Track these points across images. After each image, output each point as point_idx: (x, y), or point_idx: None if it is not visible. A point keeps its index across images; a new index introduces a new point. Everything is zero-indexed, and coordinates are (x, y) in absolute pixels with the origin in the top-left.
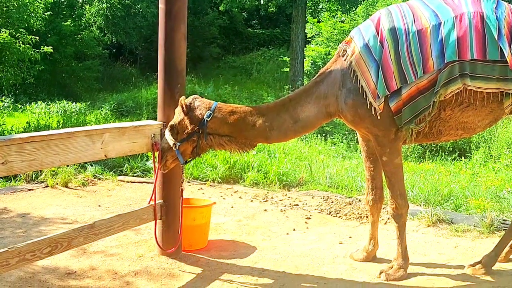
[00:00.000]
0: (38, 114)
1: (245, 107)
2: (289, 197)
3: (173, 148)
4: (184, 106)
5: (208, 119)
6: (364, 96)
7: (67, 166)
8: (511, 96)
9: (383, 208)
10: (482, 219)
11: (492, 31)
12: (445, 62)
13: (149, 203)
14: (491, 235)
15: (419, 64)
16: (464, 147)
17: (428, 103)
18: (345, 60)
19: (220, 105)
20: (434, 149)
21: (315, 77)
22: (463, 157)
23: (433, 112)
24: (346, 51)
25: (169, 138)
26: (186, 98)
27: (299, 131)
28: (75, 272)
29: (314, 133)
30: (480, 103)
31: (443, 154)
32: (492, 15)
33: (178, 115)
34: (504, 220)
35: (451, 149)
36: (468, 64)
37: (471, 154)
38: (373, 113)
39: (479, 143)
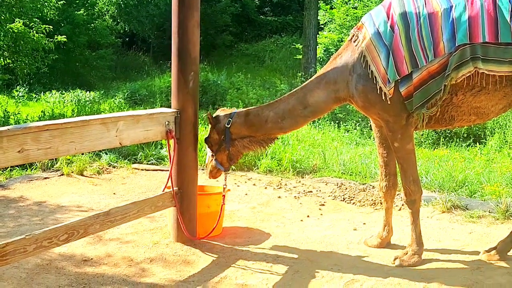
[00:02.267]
0: (53, 103)
1: (257, 106)
2: (303, 184)
3: (213, 159)
4: (211, 120)
5: (229, 126)
6: (374, 81)
7: (82, 154)
8: None
9: (397, 195)
10: (497, 205)
11: (504, 14)
12: (456, 45)
13: (163, 191)
14: (506, 221)
15: (430, 48)
16: (479, 133)
17: (439, 87)
18: (356, 45)
19: (238, 111)
20: (449, 135)
21: (328, 62)
22: (477, 143)
23: (444, 97)
24: (357, 37)
25: (208, 151)
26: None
27: (309, 116)
28: (92, 259)
29: (327, 120)
30: (493, 87)
31: (457, 140)
32: None
33: (210, 128)
34: None
35: (465, 135)
36: (479, 47)
37: (486, 140)
38: (383, 98)
39: (494, 129)
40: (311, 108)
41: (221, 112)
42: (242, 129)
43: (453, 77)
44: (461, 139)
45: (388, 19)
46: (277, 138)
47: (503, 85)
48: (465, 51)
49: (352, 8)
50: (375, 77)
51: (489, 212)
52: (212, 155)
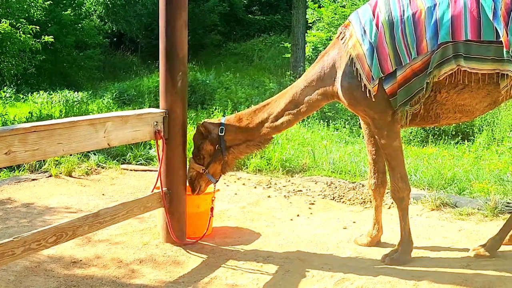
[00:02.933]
0: (40, 104)
1: (248, 110)
2: (293, 183)
3: (203, 173)
4: (203, 131)
5: (222, 134)
6: (359, 79)
7: (70, 155)
8: (506, 77)
9: (387, 193)
10: (486, 202)
11: (487, 12)
12: (438, 43)
13: (152, 191)
14: (495, 218)
15: (413, 46)
16: (467, 130)
17: (422, 85)
18: (343, 43)
19: (227, 118)
20: (437, 133)
21: (316, 60)
22: (466, 141)
23: (427, 94)
24: (344, 34)
25: (196, 166)
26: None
27: (301, 114)
28: (81, 260)
29: (316, 119)
30: (476, 85)
31: (446, 138)
32: None
33: (199, 140)
34: (508, 202)
35: (454, 132)
36: (462, 45)
37: (474, 137)
38: (368, 95)
39: (482, 126)
40: (301, 106)
41: (207, 123)
42: (238, 135)
43: (435, 75)
44: (449, 137)
45: (374, 18)
46: (273, 138)
47: (486, 83)
48: (447, 49)
49: (340, 6)
50: (360, 74)
51: (478, 210)
52: (203, 169)
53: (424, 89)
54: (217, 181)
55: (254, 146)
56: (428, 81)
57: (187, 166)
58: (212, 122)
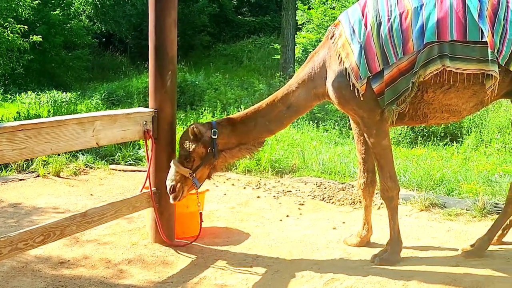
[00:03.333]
0: (28, 104)
1: (241, 114)
2: (282, 183)
3: (189, 177)
4: (197, 132)
5: (215, 137)
6: (348, 78)
7: (59, 155)
8: (491, 77)
9: (376, 193)
10: (475, 203)
11: (472, 12)
12: (424, 43)
13: (141, 191)
14: (484, 219)
15: (399, 46)
16: (456, 132)
17: (408, 84)
18: (332, 42)
19: (219, 121)
20: (426, 134)
21: (306, 60)
22: (454, 142)
23: (412, 93)
24: (334, 34)
25: (183, 170)
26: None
27: (293, 115)
28: (68, 261)
29: (306, 120)
30: (462, 85)
31: (435, 139)
32: None
33: (190, 143)
34: (496, 203)
35: (442, 134)
36: (448, 45)
37: (462, 139)
38: (356, 94)
39: (470, 128)
40: (293, 107)
41: (199, 126)
42: (231, 138)
43: (421, 74)
44: (438, 138)
45: (363, 17)
46: (265, 141)
47: (471, 83)
48: (433, 48)
49: (330, 8)
50: (349, 73)
51: (467, 210)
52: (190, 173)
53: (410, 89)
54: (200, 186)
55: (247, 150)
56: (414, 80)
57: (172, 171)
58: (202, 124)
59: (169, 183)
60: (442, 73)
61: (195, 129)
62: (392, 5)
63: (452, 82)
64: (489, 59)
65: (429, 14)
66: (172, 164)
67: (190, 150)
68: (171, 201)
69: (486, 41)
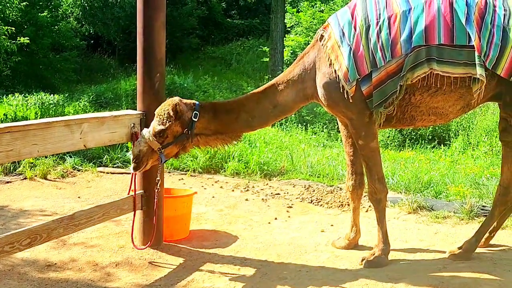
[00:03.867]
0: (16, 106)
1: (226, 102)
2: (270, 186)
3: (157, 151)
4: (178, 110)
5: (195, 120)
6: (337, 80)
7: (46, 157)
8: (478, 81)
9: (364, 196)
10: (462, 206)
11: (460, 17)
12: (412, 46)
13: (128, 194)
14: (471, 221)
15: (388, 49)
16: (443, 135)
17: (395, 87)
18: (322, 44)
19: (203, 104)
20: (414, 137)
21: (295, 61)
22: (442, 145)
23: (400, 96)
24: (323, 36)
25: (154, 143)
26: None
27: (279, 115)
28: (55, 264)
29: (294, 122)
30: (448, 88)
31: (422, 142)
32: (461, 0)
33: (168, 119)
34: (484, 206)
35: (430, 137)
36: (435, 48)
37: (450, 141)
38: (345, 97)
39: (458, 131)
40: (280, 107)
41: (181, 103)
42: (211, 124)
43: (409, 78)
44: (426, 141)
45: (352, 20)
46: (242, 136)
47: (458, 86)
48: (421, 52)
49: (319, 11)
50: (338, 75)
51: (454, 213)
52: (159, 148)
53: (398, 92)
54: (164, 162)
55: (222, 141)
56: (402, 83)
57: (140, 141)
58: (186, 102)
59: (135, 151)
60: (429, 77)
61: (177, 106)
62: (380, 8)
63: (439, 85)
64: (476, 62)
65: (417, 18)
66: (144, 133)
67: (166, 126)
68: (131, 170)
69: (473, 45)
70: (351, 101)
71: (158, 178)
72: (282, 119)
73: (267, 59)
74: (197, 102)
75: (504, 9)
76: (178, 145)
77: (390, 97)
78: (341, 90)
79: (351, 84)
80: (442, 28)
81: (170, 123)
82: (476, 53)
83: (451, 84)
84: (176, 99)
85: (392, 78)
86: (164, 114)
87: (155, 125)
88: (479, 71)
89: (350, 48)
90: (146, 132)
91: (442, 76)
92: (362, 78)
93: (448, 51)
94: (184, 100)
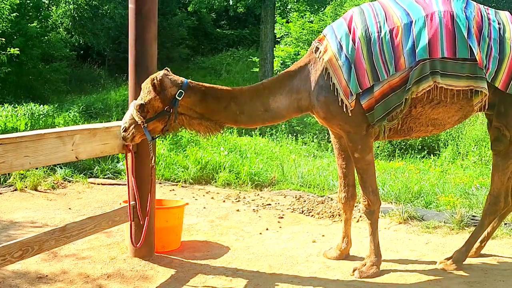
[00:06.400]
0: (5, 117)
1: (218, 88)
2: (261, 197)
3: (141, 126)
4: (157, 85)
5: (179, 99)
6: (336, 93)
7: (36, 169)
8: (480, 93)
9: (355, 206)
10: (452, 216)
11: (462, 30)
12: (417, 60)
13: (120, 205)
14: (461, 231)
15: (391, 62)
16: (433, 145)
17: (400, 101)
18: (318, 57)
19: (192, 84)
20: (404, 147)
21: (289, 68)
22: (432, 155)
23: (405, 109)
24: (319, 49)
25: (136, 116)
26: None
27: (268, 120)
28: (46, 276)
29: (285, 133)
30: (450, 100)
31: (412, 152)
32: (462, 14)
33: (148, 93)
34: (474, 216)
35: (420, 147)
36: (438, 62)
37: (439, 151)
38: (344, 110)
39: (447, 141)
40: (271, 113)
41: (167, 78)
42: (195, 107)
43: (414, 91)
44: (416, 151)
45: (350, 32)
46: (225, 127)
47: (460, 98)
48: (425, 65)
49: (308, 22)
50: (337, 89)
51: (445, 223)
52: (142, 122)
53: (403, 105)
54: (153, 139)
55: (206, 128)
56: (407, 97)
57: (129, 119)
58: (172, 78)
59: (122, 123)
60: (433, 89)
61: (155, 81)
62: (380, 21)
63: (443, 98)
64: (478, 75)
65: (420, 31)
66: (131, 105)
67: (145, 100)
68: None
69: (475, 58)
70: (350, 114)
71: (152, 156)
72: (270, 126)
73: (257, 69)
74: (186, 80)
75: (498, 22)
76: (160, 121)
77: (393, 110)
78: (340, 104)
79: (352, 98)
80: (445, 42)
81: (148, 97)
82: (478, 66)
83: (453, 96)
84: (161, 72)
85: (396, 91)
86: (145, 88)
87: (139, 98)
88: (482, 84)
89: (349, 61)
90: (132, 105)
91: (445, 89)
92: (362, 92)
93: (451, 64)
94: (172, 76)
